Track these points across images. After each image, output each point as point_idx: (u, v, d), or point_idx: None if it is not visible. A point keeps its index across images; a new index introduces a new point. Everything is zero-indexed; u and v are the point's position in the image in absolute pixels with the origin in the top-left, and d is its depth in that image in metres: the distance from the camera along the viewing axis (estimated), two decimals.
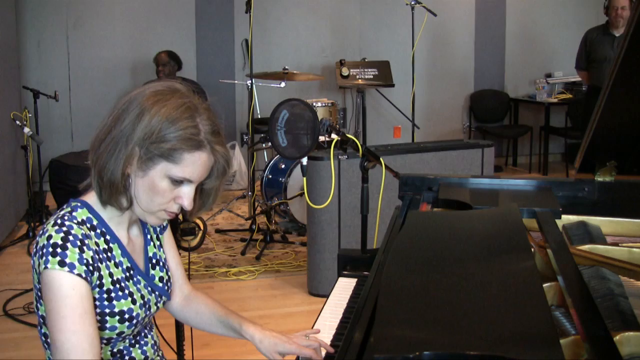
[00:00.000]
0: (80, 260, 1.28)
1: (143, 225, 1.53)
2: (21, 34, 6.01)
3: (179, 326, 2.44)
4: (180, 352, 2.44)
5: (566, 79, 7.36)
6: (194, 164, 1.31)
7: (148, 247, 1.52)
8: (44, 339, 1.40)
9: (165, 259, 1.57)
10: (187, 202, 1.35)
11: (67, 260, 1.26)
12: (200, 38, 6.60)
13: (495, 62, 7.47)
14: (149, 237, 1.54)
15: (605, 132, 1.66)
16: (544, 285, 1.23)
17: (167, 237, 1.62)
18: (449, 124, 7.41)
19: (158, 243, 1.56)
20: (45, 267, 1.26)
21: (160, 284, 1.52)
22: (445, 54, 7.27)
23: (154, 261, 1.53)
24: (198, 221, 4.60)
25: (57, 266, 1.25)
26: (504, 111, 7.49)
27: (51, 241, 1.27)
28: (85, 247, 1.30)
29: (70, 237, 1.29)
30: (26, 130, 4.66)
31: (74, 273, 1.26)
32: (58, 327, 1.25)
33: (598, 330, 1.00)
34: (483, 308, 1.05)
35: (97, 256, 1.34)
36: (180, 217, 4.21)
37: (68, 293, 1.26)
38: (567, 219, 1.72)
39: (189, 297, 1.65)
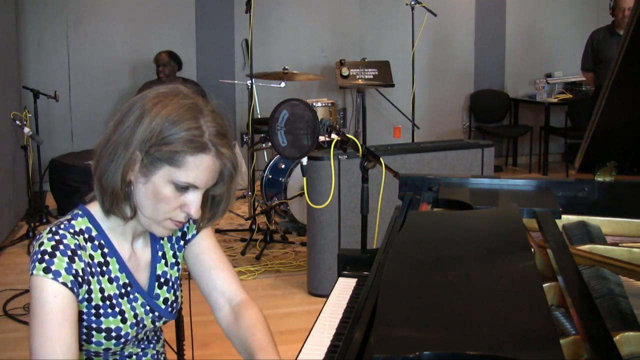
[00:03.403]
0: (67, 270, 1.25)
1: (154, 241, 1.45)
2: (21, 34, 6.00)
3: (179, 326, 2.44)
4: (180, 352, 2.44)
5: (566, 79, 7.36)
6: (197, 168, 1.23)
7: (157, 265, 1.45)
8: None
9: (176, 278, 1.48)
10: (193, 210, 1.27)
11: (53, 268, 1.24)
12: (200, 38, 6.60)
13: (495, 62, 7.47)
14: (160, 254, 1.46)
15: (605, 132, 1.66)
16: (544, 285, 1.23)
17: (206, 242, 1.50)
18: (449, 124, 7.41)
19: (173, 261, 1.48)
20: (32, 273, 1.24)
21: (164, 306, 1.45)
22: (445, 54, 7.27)
23: (161, 280, 1.45)
24: None
25: (41, 272, 1.23)
26: (504, 111, 7.49)
27: (42, 248, 1.25)
28: (76, 258, 1.27)
29: (61, 247, 1.26)
30: (26, 130, 4.66)
31: (58, 281, 1.23)
32: (36, 332, 1.22)
33: (598, 330, 0.99)
34: (483, 308, 1.05)
35: (88, 269, 1.30)
36: None
37: (49, 300, 1.22)
38: (567, 219, 1.71)
39: (237, 311, 1.48)
